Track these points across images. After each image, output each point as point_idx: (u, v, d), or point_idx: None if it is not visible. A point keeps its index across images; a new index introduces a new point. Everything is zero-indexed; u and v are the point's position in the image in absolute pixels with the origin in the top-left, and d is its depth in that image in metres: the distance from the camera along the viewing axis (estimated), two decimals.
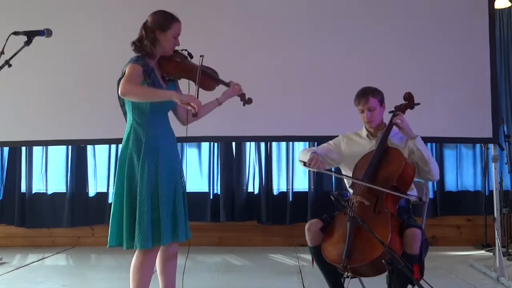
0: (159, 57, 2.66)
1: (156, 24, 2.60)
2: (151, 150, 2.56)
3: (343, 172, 3.16)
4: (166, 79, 2.66)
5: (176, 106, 2.73)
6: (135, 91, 2.50)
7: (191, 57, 2.69)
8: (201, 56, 2.59)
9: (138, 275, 2.59)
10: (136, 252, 2.59)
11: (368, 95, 3.00)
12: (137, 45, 2.62)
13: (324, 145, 3.21)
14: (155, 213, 2.54)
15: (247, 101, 2.86)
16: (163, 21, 2.60)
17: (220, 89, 2.84)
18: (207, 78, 2.68)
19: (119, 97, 2.62)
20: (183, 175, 2.73)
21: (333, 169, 3.27)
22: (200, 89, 2.61)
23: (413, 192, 2.99)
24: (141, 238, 2.49)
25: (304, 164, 2.91)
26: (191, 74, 2.64)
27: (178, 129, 2.82)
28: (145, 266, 2.59)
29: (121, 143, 2.68)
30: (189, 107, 2.46)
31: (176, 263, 2.80)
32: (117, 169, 2.65)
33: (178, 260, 2.83)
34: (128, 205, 2.55)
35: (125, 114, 2.69)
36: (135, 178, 2.55)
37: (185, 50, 2.69)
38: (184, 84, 2.76)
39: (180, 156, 2.89)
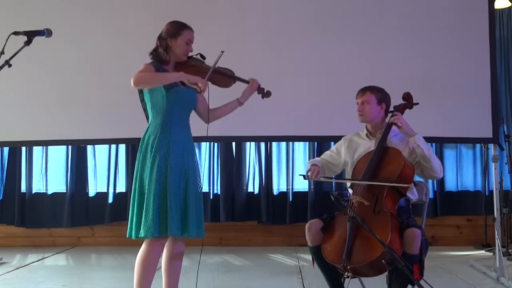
0: (174, 64, 2.80)
1: (167, 33, 2.78)
2: (163, 146, 2.69)
3: (346, 173, 3.18)
4: (184, 83, 2.76)
5: (197, 105, 2.89)
6: (144, 77, 2.66)
7: (204, 58, 2.82)
8: (222, 51, 2.70)
9: (142, 266, 2.68)
10: (143, 244, 2.70)
11: (367, 89, 3.04)
12: (154, 54, 2.79)
13: (327, 152, 3.24)
14: (162, 203, 2.64)
15: (265, 94, 2.96)
16: (173, 29, 2.78)
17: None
18: (222, 75, 2.82)
19: (141, 100, 2.80)
20: (199, 177, 2.83)
21: (333, 176, 3.30)
22: (218, 87, 2.82)
23: (413, 193, 2.99)
24: (147, 226, 2.60)
25: (304, 177, 3.00)
26: (206, 74, 2.73)
27: None
28: (150, 258, 2.68)
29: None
30: (196, 87, 2.61)
31: (181, 263, 2.87)
32: (135, 167, 2.79)
33: (184, 261, 2.86)
34: (138, 197, 2.69)
35: (145, 111, 2.83)
36: (146, 172, 2.68)
37: (198, 54, 2.83)
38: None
39: None
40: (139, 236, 2.64)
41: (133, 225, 2.67)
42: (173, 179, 2.67)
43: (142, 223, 2.63)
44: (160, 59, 2.76)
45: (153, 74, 2.69)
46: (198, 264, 2.86)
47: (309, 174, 2.97)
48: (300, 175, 3.08)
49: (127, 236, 2.73)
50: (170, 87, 2.71)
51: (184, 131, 2.81)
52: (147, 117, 2.82)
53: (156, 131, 2.71)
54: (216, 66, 2.74)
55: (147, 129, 2.77)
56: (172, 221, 2.62)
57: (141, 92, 2.78)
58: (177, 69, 2.80)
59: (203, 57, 2.82)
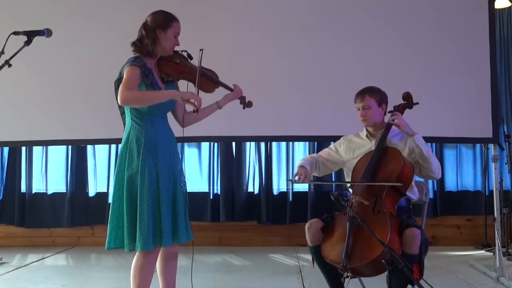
0: (158, 58, 2.64)
1: (156, 23, 2.59)
2: (151, 151, 2.55)
3: (345, 174, 3.18)
4: (165, 80, 2.66)
5: (175, 107, 2.74)
6: (135, 98, 2.50)
7: (191, 58, 2.67)
8: (200, 50, 2.56)
9: (139, 277, 2.58)
10: (137, 253, 2.58)
11: (365, 94, 3.02)
12: (137, 45, 2.60)
13: (326, 149, 3.23)
14: (156, 214, 2.52)
15: (247, 104, 2.84)
16: (164, 20, 2.60)
17: (220, 92, 2.82)
18: (207, 80, 2.67)
19: (116, 97, 2.58)
20: (183, 176, 2.72)
21: (333, 173, 3.28)
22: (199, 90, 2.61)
23: (413, 192, 2.99)
24: (142, 240, 2.48)
25: (292, 182, 2.94)
26: (190, 75, 2.62)
27: (178, 129, 2.81)
28: (146, 268, 2.58)
29: (121, 143, 2.68)
30: (190, 105, 2.46)
31: (177, 264, 2.80)
32: (116, 171, 2.63)
33: (183, 261, 2.82)
34: (128, 207, 2.52)
35: (122, 114, 2.69)
36: (136, 179, 2.54)
37: (185, 51, 2.66)
38: (183, 85, 2.74)
39: (180, 156, 2.88)
40: (135, 249, 2.51)
41: (125, 238, 2.51)
42: (164, 185, 2.55)
43: (137, 236, 2.47)
44: (145, 51, 2.57)
45: (144, 94, 2.51)
46: (191, 265, 2.84)
47: (296, 178, 2.93)
48: (288, 180, 3.01)
49: (107, 247, 2.56)
50: (153, 86, 2.55)
51: (167, 131, 2.67)
52: (122, 115, 2.67)
53: (140, 135, 2.55)
54: (201, 67, 2.59)
55: (129, 132, 2.59)
56: (167, 232, 2.53)
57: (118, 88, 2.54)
58: (160, 64, 2.63)
59: (190, 57, 2.66)
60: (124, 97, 2.45)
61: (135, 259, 2.60)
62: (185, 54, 2.67)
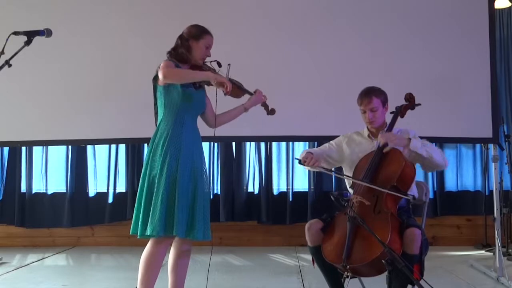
0: (190, 66, 2.84)
1: (190, 34, 2.85)
2: (174, 145, 2.72)
3: (344, 172, 3.17)
4: (197, 86, 2.84)
5: (205, 110, 2.93)
6: (176, 72, 2.73)
7: (220, 66, 2.88)
8: (228, 64, 2.80)
9: (147, 264, 2.71)
10: (148, 242, 2.73)
11: (371, 95, 2.98)
12: (172, 53, 2.84)
13: (325, 144, 3.21)
14: (170, 203, 2.65)
15: (270, 111, 3.04)
16: (196, 32, 2.86)
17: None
18: (234, 87, 2.85)
19: (154, 96, 2.83)
20: (207, 177, 2.85)
21: (333, 168, 3.26)
22: (227, 96, 2.83)
23: (413, 193, 2.99)
24: (153, 225, 2.62)
25: (299, 162, 2.96)
26: None
27: None
28: (154, 258, 2.70)
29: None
30: (222, 88, 2.68)
31: (188, 261, 2.87)
32: (143, 164, 2.80)
33: (191, 260, 2.88)
34: (146, 195, 2.70)
35: (156, 113, 2.86)
36: (155, 170, 2.69)
37: (215, 60, 2.88)
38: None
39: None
40: (145, 234, 2.65)
41: (139, 223, 2.67)
42: (183, 179, 2.68)
43: (149, 221, 2.64)
44: (179, 58, 2.80)
45: (183, 70, 2.77)
46: (208, 265, 2.87)
47: (306, 160, 2.91)
48: (296, 158, 3.05)
49: (131, 232, 2.74)
50: (186, 87, 2.75)
51: (194, 132, 2.83)
52: (156, 113, 2.84)
53: (168, 129, 2.73)
54: (228, 76, 2.81)
55: (158, 127, 2.78)
56: (179, 223, 2.62)
57: (155, 86, 2.80)
58: None
59: (219, 64, 2.88)
60: (165, 72, 2.67)
61: (145, 249, 2.73)
62: (214, 63, 2.89)
